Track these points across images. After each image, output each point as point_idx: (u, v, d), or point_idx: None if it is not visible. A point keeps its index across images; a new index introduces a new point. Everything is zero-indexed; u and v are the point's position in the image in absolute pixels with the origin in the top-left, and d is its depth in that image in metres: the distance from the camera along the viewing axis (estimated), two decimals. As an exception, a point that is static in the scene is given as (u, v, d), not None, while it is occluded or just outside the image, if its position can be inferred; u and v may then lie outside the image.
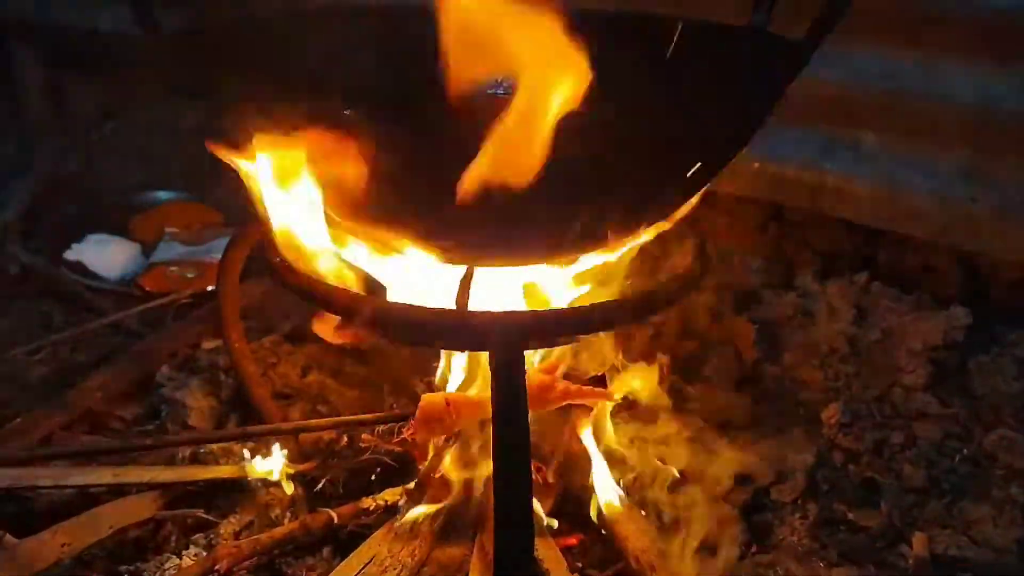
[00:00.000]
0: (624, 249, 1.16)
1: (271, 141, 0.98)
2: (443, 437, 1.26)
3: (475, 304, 1.00)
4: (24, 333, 1.90)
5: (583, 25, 0.84)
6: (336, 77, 1.14)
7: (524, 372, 0.97)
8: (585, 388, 1.31)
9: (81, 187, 2.58)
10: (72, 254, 2.17)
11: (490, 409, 0.98)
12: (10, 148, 2.69)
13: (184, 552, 1.26)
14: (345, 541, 1.30)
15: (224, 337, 1.46)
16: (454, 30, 0.87)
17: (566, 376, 1.30)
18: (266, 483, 1.36)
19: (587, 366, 1.35)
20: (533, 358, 1.32)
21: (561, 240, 1.04)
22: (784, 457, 1.48)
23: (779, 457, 1.48)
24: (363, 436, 1.37)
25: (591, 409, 1.34)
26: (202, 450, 1.43)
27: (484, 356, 1.09)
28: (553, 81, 0.84)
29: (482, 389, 1.30)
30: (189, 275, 2.10)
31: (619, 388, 1.36)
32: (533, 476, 1.19)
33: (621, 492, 1.30)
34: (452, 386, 1.32)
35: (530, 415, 0.98)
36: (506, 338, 0.98)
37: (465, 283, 1.01)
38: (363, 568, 1.19)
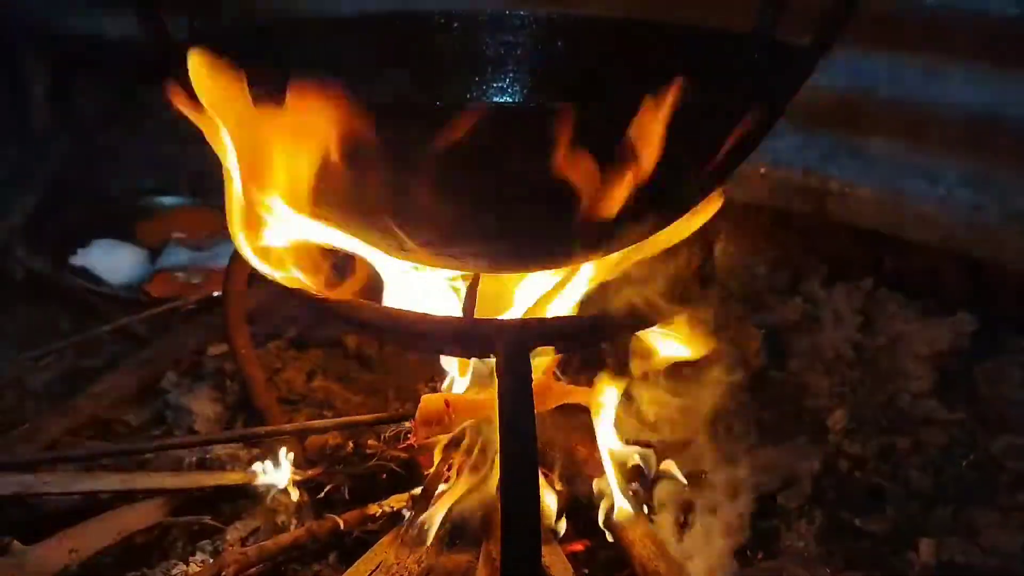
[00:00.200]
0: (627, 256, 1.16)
1: (208, 60, 0.88)
2: (451, 447, 1.26)
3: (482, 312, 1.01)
4: (30, 338, 1.90)
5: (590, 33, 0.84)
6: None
7: (531, 380, 0.97)
8: (583, 388, 1.31)
9: (87, 192, 2.58)
10: (78, 259, 2.18)
11: (490, 409, 0.97)
12: (16, 153, 2.69)
13: (191, 558, 1.26)
14: (351, 547, 1.30)
15: (230, 342, 1.46)
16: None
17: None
18: (273, 489, 1.36)
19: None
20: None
21: (563, 247, 1.04)
22: (790, 463, 1.47)
23: (785, 463, 1.48)
24: (369, 442, 1.37)
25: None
26: (208, 456, 1.44)
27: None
28: None
29: (481, 390, 1.30)
30: (195, 280, 2.10)
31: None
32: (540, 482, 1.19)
33: (628, 497, 1.30)
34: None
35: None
36: (512, 346, 0.98)
37: (472, 290, 1.02)
38: (370, 574, 1.19)
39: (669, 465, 1.35)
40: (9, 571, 1.18)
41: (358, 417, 1.40)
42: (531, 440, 0.97)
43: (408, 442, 1.33)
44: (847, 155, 1.76)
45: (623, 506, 1.28)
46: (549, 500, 1.29)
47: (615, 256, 1.13)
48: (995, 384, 1.62)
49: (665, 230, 1.12)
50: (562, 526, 1.29)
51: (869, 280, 1.79)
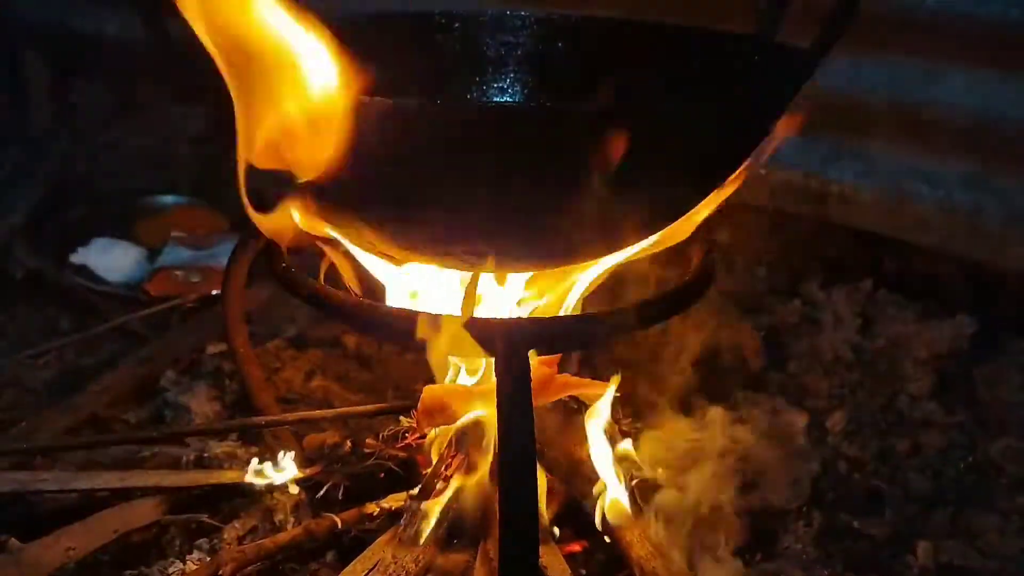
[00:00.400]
0: (626, 257, 1.16)
1: None
2: (449, 446, 1.26)
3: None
4: (29, 337, 1.90)
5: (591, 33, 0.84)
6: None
7: (530, 380, 0.97)
8: (584, 380, 1.31)
9: (87, 191, 2.58)
10: (78, 258, 2.17)
11: (490, 402, 0.97)
12: (17, 152, 2.69)
13: (188, 557, 1.26)
14: (349, 546, 1.29)
15: (229, 341, 1.46)
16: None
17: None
18: (270, 488, 1.36)
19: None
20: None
21: (565, 248, 1.04)
22: (789, 465, 1.47)
23: (783, 465, 1.47)
24: (367, 441, 1.37)
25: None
26: (206, 455, 1.44)
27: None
28: None
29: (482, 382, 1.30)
30: (194, 279, 2.10)
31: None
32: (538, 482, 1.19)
33: (626, 498, 1.30)
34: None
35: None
36: (511, 345, 0.98)
37: (471, 289, 1.02)
38: (367, 573, 1.18)
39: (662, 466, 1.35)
40: (6, 569, 1.18)
41: (358, 408, 1.40)
42: (530, 440, 0.97)
43: (406, 441, 1.33)
44: (848, 157, 1.76)
45: (620, 507, 1.28)
46: (546, 500, 1.29)
47: (616, 256, 1.13)
48: (994, 387, 1.62)
49: (665, 230, 1.13)
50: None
51: (869, 282, 1.79)
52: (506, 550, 0.99)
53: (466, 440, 1.26)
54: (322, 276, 1.15)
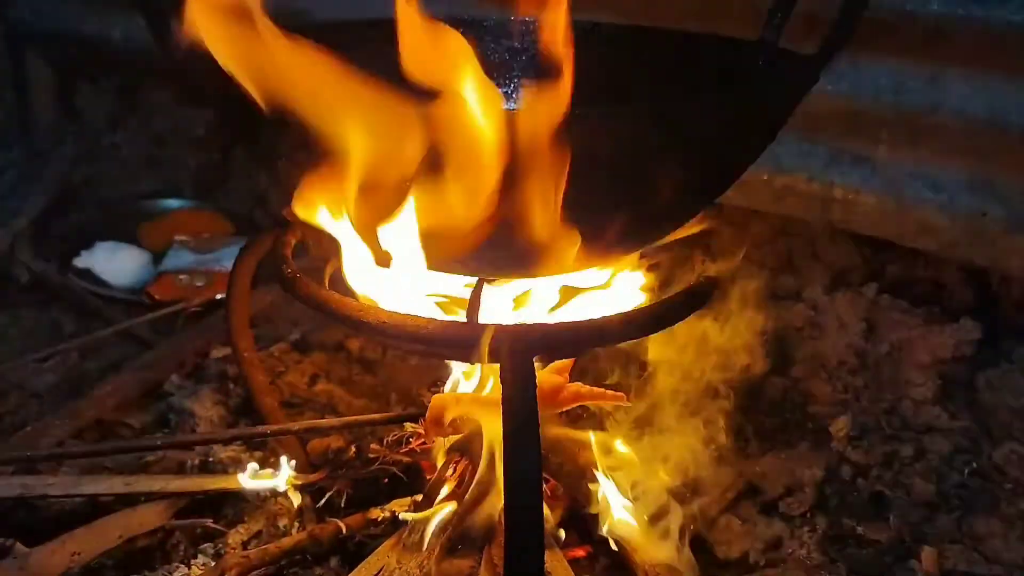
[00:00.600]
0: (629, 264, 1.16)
1: None
2: (454, 452, 1.26)
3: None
4: (34, 341, 1.91)
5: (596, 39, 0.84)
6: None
7: (535, 386, 0.97)
8: (596, 390, 1.30)
9: (91, 195, 2.59)
10: (82, 262, 2.18)
11: (496, 411, 0.97)
12: (21, 155, 2.70)
13: (192, 561, 1.26)
14: (353, 552, 1.30)
15: (233, 346, 1.46)
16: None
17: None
18: (274, 493, 1.36)
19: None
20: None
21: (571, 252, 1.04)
22: (793, 470, 1.47)
23: (788, 470, 1.48)
24: (372, 446, 1.37)
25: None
26: (211, 460, 1.44)
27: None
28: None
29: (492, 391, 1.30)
30: (198, 283, 2.10)
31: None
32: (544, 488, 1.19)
33: (630, 504, 1.30)
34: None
35: (540, 420, 0.98)
36: (516, 351, 0.98)
37: (476, 295, 1.02)
38: (371, 579, 1.19)
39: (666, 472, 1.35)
40: (11, 573, 1.18)
41: (366, 416, 1.39)
42: (535, 446, 0.97)
43: (411, 446, 1.33)
44: (850, 162, 1.76)
45: (624, 513, 1.28)
46: (551, 505, 1.29)
47: (620, 262, 1.13)
48: (998, 392, 1.61)
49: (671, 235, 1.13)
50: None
51: (872, 287, 1.79)
52: (511, 556, 0.98)
53: (471, 446, 1.26)
54: (327, 282, 1.15)
